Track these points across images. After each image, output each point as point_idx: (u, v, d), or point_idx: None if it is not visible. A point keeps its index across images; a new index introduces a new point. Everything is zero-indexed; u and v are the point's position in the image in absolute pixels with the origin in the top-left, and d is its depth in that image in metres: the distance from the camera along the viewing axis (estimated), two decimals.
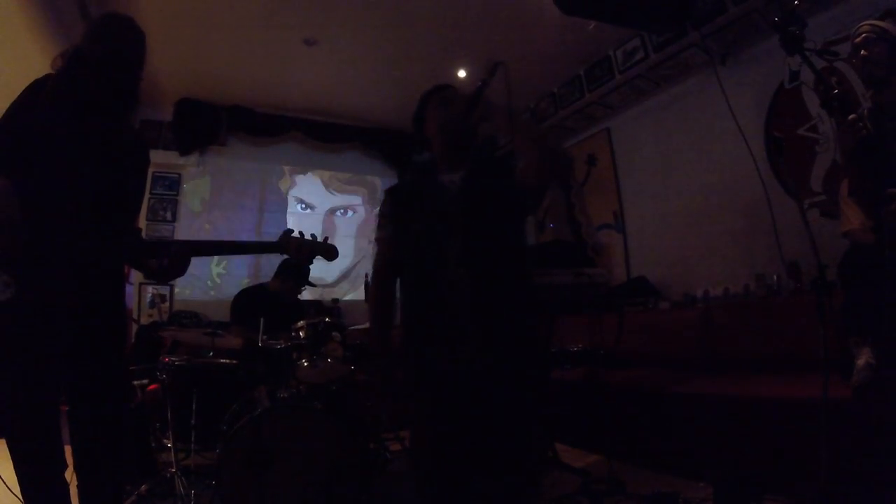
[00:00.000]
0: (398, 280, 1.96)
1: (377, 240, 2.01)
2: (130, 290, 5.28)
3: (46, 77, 1.72)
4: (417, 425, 2.06)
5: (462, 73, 5.56)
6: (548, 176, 1.93)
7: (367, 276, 4.42)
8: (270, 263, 4.07)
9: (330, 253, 2.07)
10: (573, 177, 5.73)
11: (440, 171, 1.94)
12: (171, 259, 1.82)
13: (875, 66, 2.32)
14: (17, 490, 1.58)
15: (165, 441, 3.07)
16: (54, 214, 1.59)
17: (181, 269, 1.87)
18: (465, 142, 1.95)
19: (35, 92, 1.67)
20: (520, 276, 1.87)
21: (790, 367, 3.10)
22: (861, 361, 2.38)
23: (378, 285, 2.00)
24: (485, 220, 1.81)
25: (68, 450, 1.68)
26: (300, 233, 1.99)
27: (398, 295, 1.97)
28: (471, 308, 1.73)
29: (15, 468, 1.57)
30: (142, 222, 5.32)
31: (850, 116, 2.08)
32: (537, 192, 2.05)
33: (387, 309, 1.98)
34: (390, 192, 2.08)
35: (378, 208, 2.07)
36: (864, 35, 2.34)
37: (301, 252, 1.99)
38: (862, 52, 2.33)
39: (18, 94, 1.68)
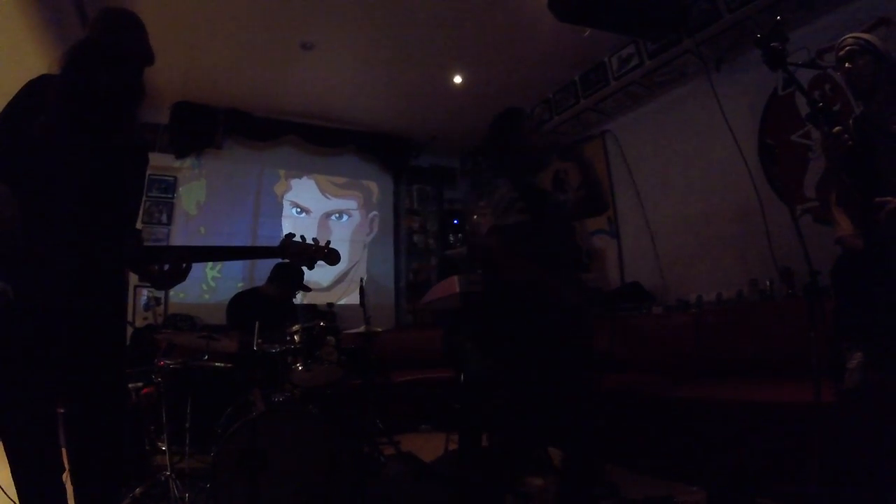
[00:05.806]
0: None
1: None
2: None
3: (42, 77, 1.69)
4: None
5: (458, 79, 5.58)
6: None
7: (361, 280, 4.45)
8: (265, 268, 4.07)
9: (332, 258, 2.04)
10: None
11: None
12: (174, 265, 1.81)
13: (859, 79, 2.33)
14: (13, 493, 1.57)
15: (160, 444, 3.07)
16: (55, 217, 1.58)
17: (182, 276, 1.85)
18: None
19: (33, 92, 1.65)
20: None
21: (783, 372, 3.13)
22: (852, 365, 2.41)
23: None
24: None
25: (65, 453, 1.67)
26: (302, 237, 1.98)
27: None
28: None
29: (11, 471, 1.56)
30: (138, 224, 5.32)
31: (836, 129, 2.10)
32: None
33: None
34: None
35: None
36: (847, 48, 2.35)
37: (303, 257, 1.97)
38: (846, 64, 2.35)
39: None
